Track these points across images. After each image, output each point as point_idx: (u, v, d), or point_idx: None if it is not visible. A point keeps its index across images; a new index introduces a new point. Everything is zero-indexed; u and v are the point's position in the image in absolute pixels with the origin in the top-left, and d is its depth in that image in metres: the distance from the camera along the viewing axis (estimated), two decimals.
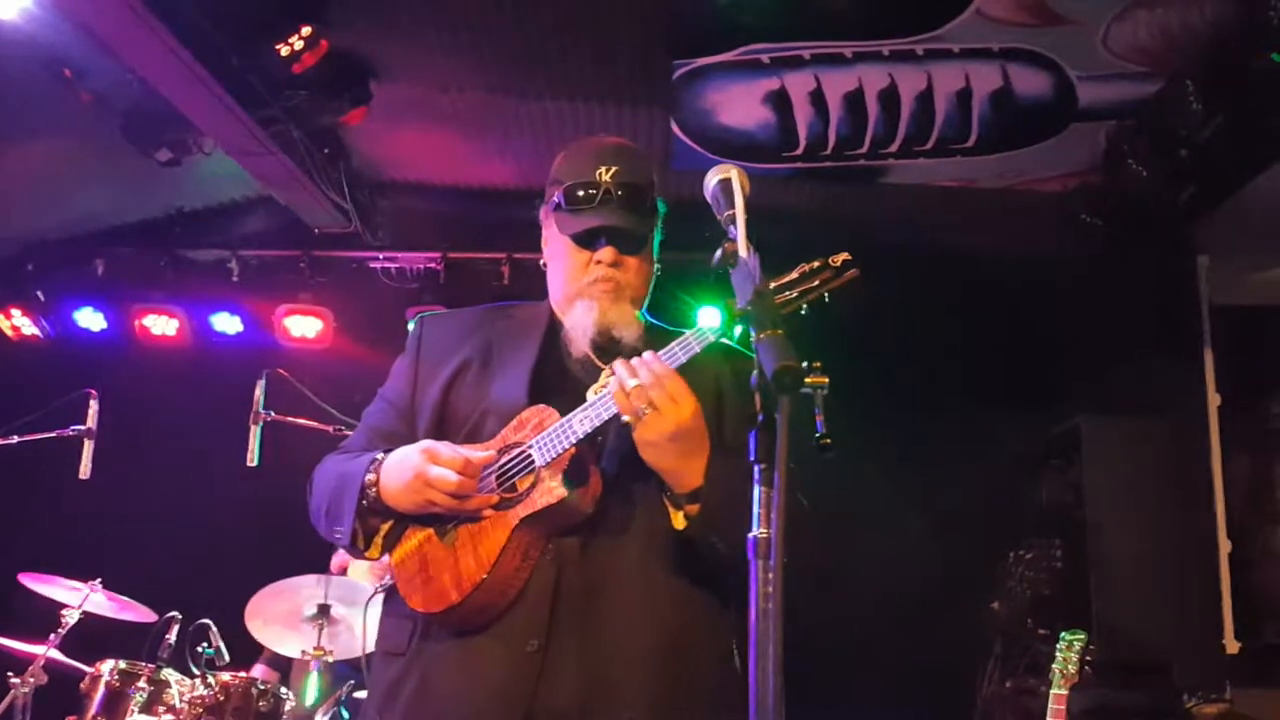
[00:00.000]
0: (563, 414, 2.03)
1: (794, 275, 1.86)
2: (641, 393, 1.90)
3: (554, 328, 2.25)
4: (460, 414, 2.18)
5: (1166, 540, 5.34)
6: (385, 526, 2.15)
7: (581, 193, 2.16)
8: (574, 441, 1.99)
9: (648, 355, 1.95)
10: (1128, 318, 5.74)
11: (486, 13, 4.66)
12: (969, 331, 5.85)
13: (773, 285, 1.84)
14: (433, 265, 6.51)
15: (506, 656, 1.99)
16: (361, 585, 4.66)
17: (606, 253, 2.15)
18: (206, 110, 4.72)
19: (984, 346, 5.89)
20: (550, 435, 2.01)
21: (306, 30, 4.60)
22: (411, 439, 2.17)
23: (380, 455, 2.12)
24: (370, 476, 2.10)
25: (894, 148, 5.35)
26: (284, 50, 4.58)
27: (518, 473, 2.05)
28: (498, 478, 2.06)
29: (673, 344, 1.98)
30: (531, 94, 5.24)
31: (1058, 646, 4.04)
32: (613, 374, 1.97)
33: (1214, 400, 5.64)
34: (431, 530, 2.10)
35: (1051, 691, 3.98)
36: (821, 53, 4.84)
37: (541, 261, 2.32)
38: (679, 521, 2.02)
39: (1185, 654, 5.14)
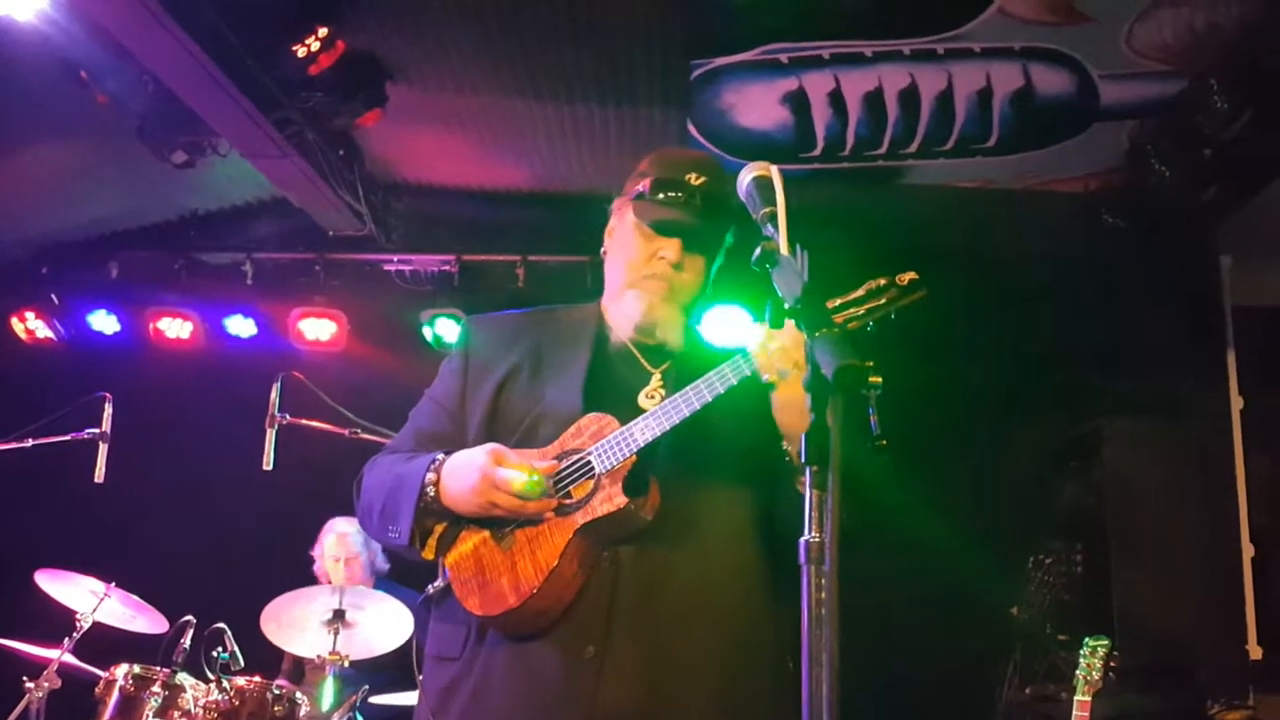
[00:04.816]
0: (617, 419, 2.05)
1: (860, 293, 1.90)
2: (786, 354, 1.89)
3: (603, 331, 2.28)
4: (513, 418, 2.19)
5: (1189, 545, 5.29)
6: (440, 528, 2.16)
7: (669, 187, 2.19)
8: (635, 450, 2.01)
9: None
10: (1149, 319, 5.69)
11: (501, 14, 4.63)
12: (989, 333, 5.79)
13: (838, 301, 1.89)
14: (447, 268, 6.49)
15: (564, 663, 2.01)
16: (373, 592, 4.65)
17: (674, 246, 2.17)
18: (222, 112, 4.70)
19: (1004, 348, 5.84)
20: (610, 443, 2.03)
21: (323, 31, 4.57)
22: (461, 441, 2.19)
23: (440, 456, 2.13)
24: (430, 476, 2.10)
25: (913, 148, 5.31)
26: (300, 52, 4.56)
27: (576, 479, 2.06)
28: (555, 483, 2.07)
29: (724, 365, 1.98)
30: (547, 95, 5.21)
31: (1081, 653, 4.00)
32: (662, 381, 2.01)
33: (1236, 403, 5.60)
34: (488, 533, 2.11)
35: (1075, 698, 3.95)
36: (841, 52, 4.80)
37: (602, 250, 2.34)
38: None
39: (1208, 660, 5.10)
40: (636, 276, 2.20)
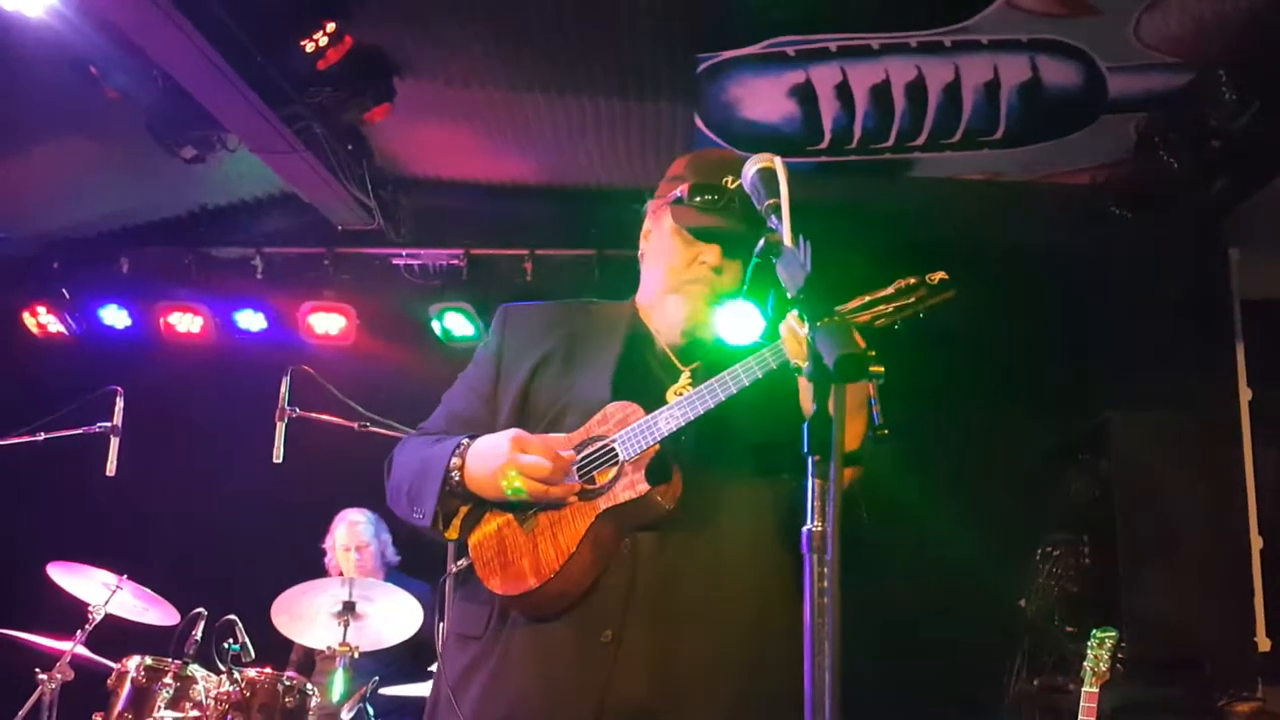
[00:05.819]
0: (645, 412, 2.07)
1: (889, 291, 1.91)
2: None
3: (637, 328, 2.31)
4: (541, 405, 2.23)
5: (1197, 537, 5.28)
6: (464, 510, 2.20)
7: (707, 191, 2.20)
8: (658, 439, 2.03)
9: None
10: (1158, 311, 5.68)
11: (509, 8, 4.64)
12: (997, 326, 5.79)
13: (867, 298, 1.90)
14: (455, 262, 6.51)
15: (581, 646, 2.03)
16: (383, 584, 4.68)
17: (714, 252, 2.19)
18: (231, 107, 4.72)
19: (1011, 341, 5.83)
20: (634, 431, 2.06)
21: (331, 26, 4.59)
22: (492, 425, 2.23)
23: (465, 441, 2.16)
24: (455, 460, 2.14)
25: (920, 141, 5.30)
26: (309, 47, 4.57)
27: (599, 465, 2.09)
28: (579, 469, 2.10)
29: (750, 359, 1.99)
30: (554, 89, 5.22)
31: (1089, 644, 4.01)
32: (689, 379, 2.04)
33: (1245, 394, 5.58)
34: (511, 515, 2.15)
35: (1083, 689, 3.95)
36: (848, 45, 4.79)
37: (639, 253, 2.38)
38: None
39: (1217, 652, 5.09)
40: (679, 281, 2.22)
